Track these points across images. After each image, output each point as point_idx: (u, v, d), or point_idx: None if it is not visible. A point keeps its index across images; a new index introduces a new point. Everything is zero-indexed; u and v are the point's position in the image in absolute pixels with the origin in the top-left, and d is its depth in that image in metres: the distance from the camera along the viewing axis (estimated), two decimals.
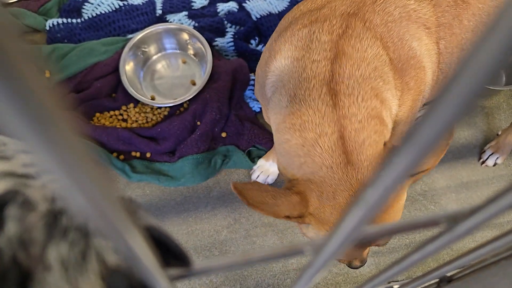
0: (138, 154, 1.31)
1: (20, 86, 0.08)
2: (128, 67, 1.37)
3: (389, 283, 0.67)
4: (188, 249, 1.24)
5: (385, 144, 0.69)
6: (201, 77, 1.42)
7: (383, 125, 0.69)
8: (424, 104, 0.86)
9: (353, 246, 0.66)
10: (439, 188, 1.33)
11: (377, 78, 0.69)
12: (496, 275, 0.34)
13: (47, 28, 1.44)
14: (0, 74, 0.08)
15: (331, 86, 0.67)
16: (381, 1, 0.73)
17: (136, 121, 1.34)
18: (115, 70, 1.37)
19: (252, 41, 1.48)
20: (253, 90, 1.39)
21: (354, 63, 0.68)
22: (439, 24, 0.76)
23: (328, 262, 0.19)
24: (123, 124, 1.33)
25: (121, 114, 1.35)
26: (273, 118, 0.75)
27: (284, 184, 0.73)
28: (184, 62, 1.45)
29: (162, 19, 1.51)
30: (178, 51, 1.47)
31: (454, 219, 0.19)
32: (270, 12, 1.50)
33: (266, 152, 1.30)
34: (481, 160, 1.36)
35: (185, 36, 1.43)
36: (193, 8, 1.54)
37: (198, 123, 1.32)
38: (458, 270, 0.40)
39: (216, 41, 1.46)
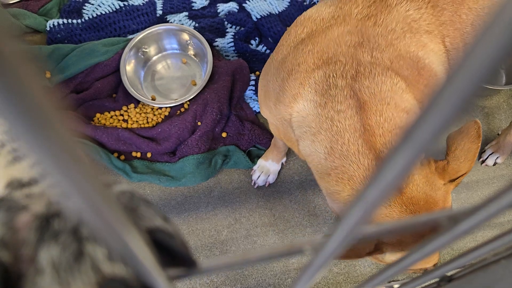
0: (138, 154, 1.31)
1: (15, 85, 0.08)
2: (128, 67, 1.38)
3: (389, 282, 0.68)
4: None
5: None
6: (201, 77, 1.42)
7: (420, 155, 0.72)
8: None
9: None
10: None
11: (400, 112, 0.71)
12: (497, 274, 0.34)
13: (48, 28, 1.44)
14: None
15: (366, 138, 0.70)
16: (381, 20, 0.74)
17: (137, 121, 1.34)
18: (116, 71, 1.37)
19: (253, 42, 1.48)
20: (253, 90, 1.39)
21: (377, 111, 0.70)
22: (440, 23, 0.78)
23: (328, 262, 0.19)
24: (124, 125, 1.33)
25: (122, 115, 1.35)
26: (312, 164, 0.78)
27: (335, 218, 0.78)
28: (185, 63, 1.46)
29: (162, 20, 1.51)
30: (179, 52, 1.47)
31: (454, 219, 0.19)
32: (270, 13, 1.50)
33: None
34: (481, 160, 1.36)
35: (186, 36, 1.43)
36: (193, 8, 1.54)
37: (199, 123, 1.32)
38: (458, 270, 0.40)
39: (216, 41, 1.46)
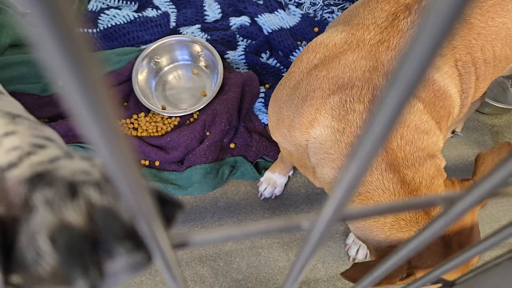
0: (147, 163, 1.32)
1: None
2: (140, 77, 1.40)
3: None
4: (193, 259, 1.24)
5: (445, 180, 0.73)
6: (211, 88, 1.44)
7: (443, 175, 0.73)
8: None
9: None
10: None
11: (421, 134, 0.72)
12: (498, 276, 0.34)
13: None
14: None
15: (389, 162, 0.70)
16: (394, 45, 0.75)
17: (146, 130, 1.36)
18: (128, 80, 1.40)
19: (263, 55, 1.50)
20: (262, 102, 1.40)
21: (397, 133, 0.71)
22: (452, 48, 0.79)
23: (324, 237, 0.19)
24: (134, 133, 1.35)
25: (132, 123, 1.37)
26: (332, 191, 0.78)
27: (371, 253, 0.80)
28: (196, 74, 1.48)
29: (175, 32, 1.54)
30: (190, 63, 1.49)
31: (450, 201, 0.20)
32: (281, 27, 1.52)
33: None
34: None
35: (197, 48, 1.45)
36: (206, 21, 1.56)
37: (208, 133, 1.33)
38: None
39: (227, 53, 1.48)
